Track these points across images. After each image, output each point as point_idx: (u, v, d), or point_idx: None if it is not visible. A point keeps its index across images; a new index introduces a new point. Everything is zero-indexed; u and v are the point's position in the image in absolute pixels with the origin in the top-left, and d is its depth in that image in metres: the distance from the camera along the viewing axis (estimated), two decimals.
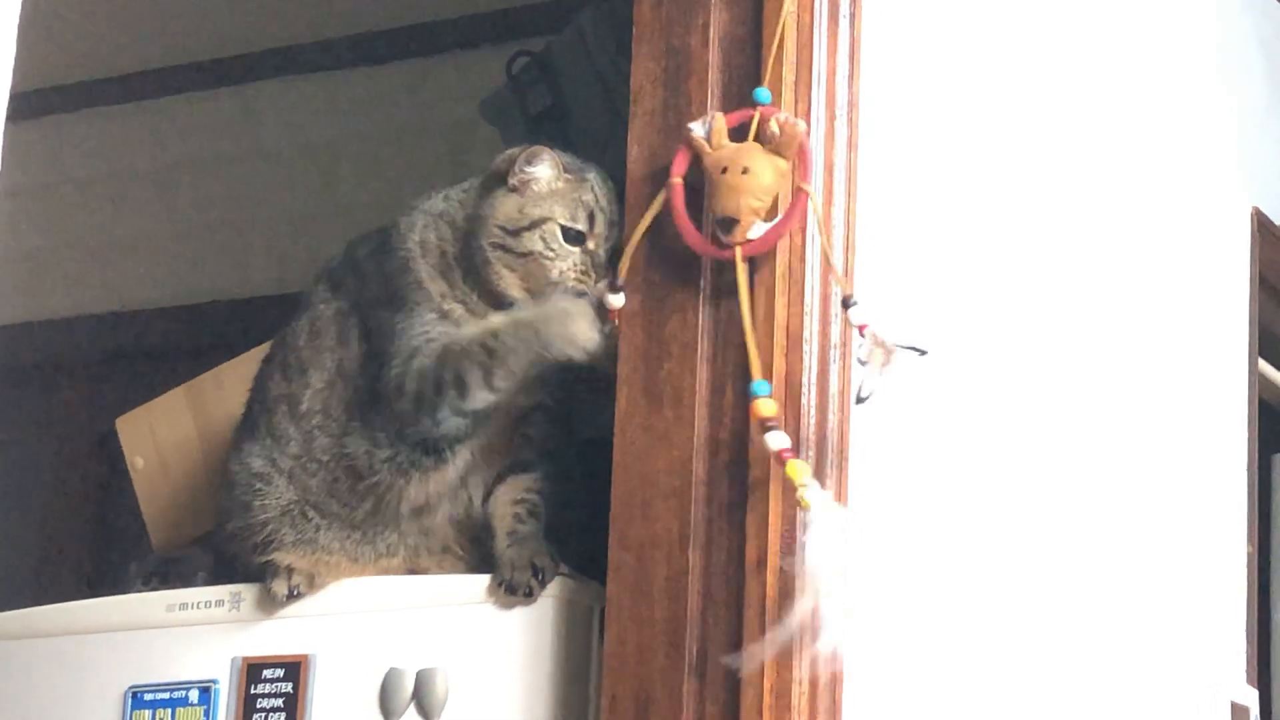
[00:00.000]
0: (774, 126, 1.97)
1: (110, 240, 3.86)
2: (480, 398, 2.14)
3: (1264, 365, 3.03)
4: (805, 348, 1.97)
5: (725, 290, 1.99)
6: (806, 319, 1.97)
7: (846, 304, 1.95)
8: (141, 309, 3.80)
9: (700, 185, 2.00)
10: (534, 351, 2.10)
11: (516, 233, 2.16)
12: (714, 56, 2.04)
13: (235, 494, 2.32)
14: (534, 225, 2.16)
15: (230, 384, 2.69)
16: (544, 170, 2.18)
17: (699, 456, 1.98)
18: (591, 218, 2.16)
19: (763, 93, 1.99)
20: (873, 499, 2.03)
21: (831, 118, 2.02)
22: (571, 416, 2.28)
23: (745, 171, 1.95)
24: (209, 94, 3.81)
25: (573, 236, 2.16)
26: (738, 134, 1.99)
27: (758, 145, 1.97)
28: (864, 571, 1.99)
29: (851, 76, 2.04)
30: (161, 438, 2.76)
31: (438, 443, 2.19)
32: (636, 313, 2.03)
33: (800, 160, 1.97)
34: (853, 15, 2.04)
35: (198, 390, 2.75)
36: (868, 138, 2.05)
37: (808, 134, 1.97)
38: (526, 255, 2.16)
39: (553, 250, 2.15)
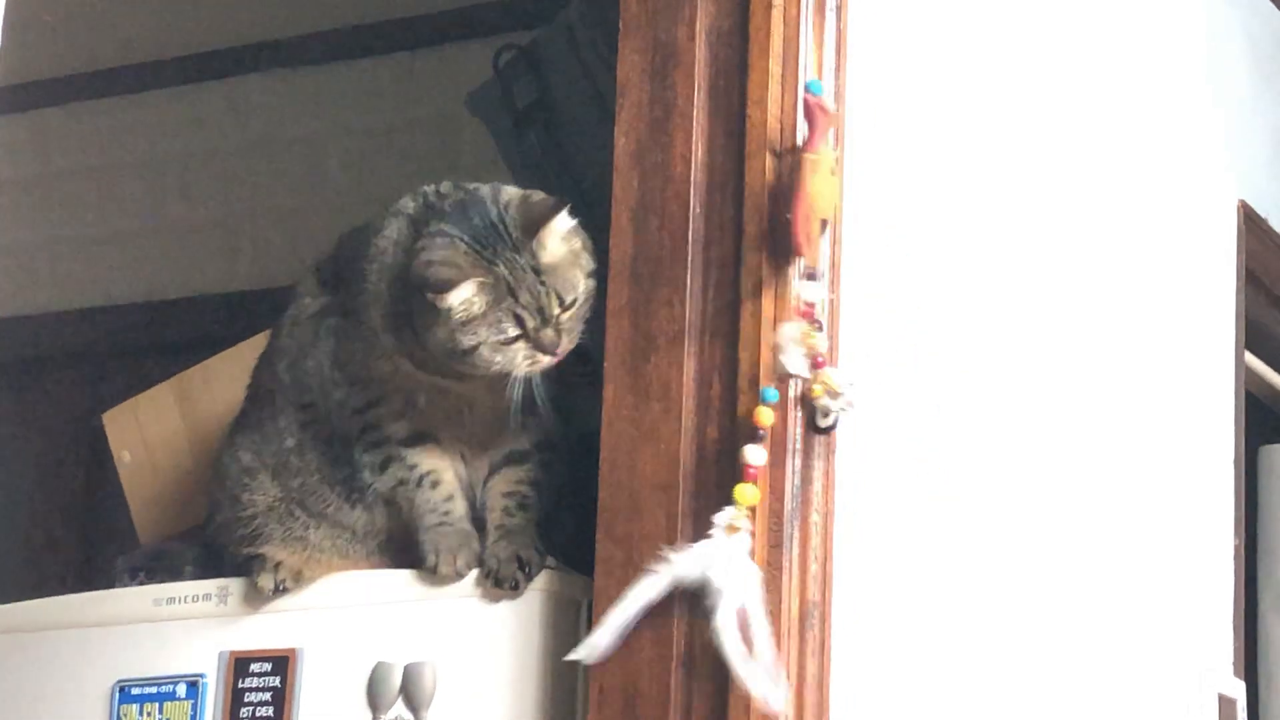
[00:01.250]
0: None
1: (97, 235, 3.86)
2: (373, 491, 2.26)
3: (1251, 358, 3.04)
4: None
5: (712, 283, 1.99)
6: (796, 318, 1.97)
7: (807, 274, 1.95)
8: (129, 303, 3.79)
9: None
10: (413, 528, 2.21)
11: (458, 355, 2.13)
12: (700, 49, 2.04)
13: (226, 486, 2.33)
14: (469, 352, 2.12)
15: (217, 379, 2.69)
16: (457, 297, 2.11)
17: (686, 450, 1.98)
18: (518, 319, 2.11)
19: (816, 84, 1.99)
20: (860, 489, 2.03)
21: None
22: (569, 409, 2.28)
23: (832, 172, 1.95)
24: (196, 88, 3.81)
25: (509, 340, 2.12)
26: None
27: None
28: (852, 562, 1.99)
29: (837, 70, 2.04)
30: (148, 432, 2.75)
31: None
32: (624, 306, 2.03)
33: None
34: (839, 8, 2.05)
35: (185, 385, 2.75)
36: (853, 131, 2.05)
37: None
38: (476, 367, 2.14)
39: (497, 361, 2.12)
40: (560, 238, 2.14)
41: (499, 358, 2.12)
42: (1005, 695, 2.28)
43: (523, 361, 2.13)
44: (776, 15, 2.01)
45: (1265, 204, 3.05)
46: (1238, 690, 2.80)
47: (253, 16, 3.75)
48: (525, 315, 2.11)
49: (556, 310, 2.12)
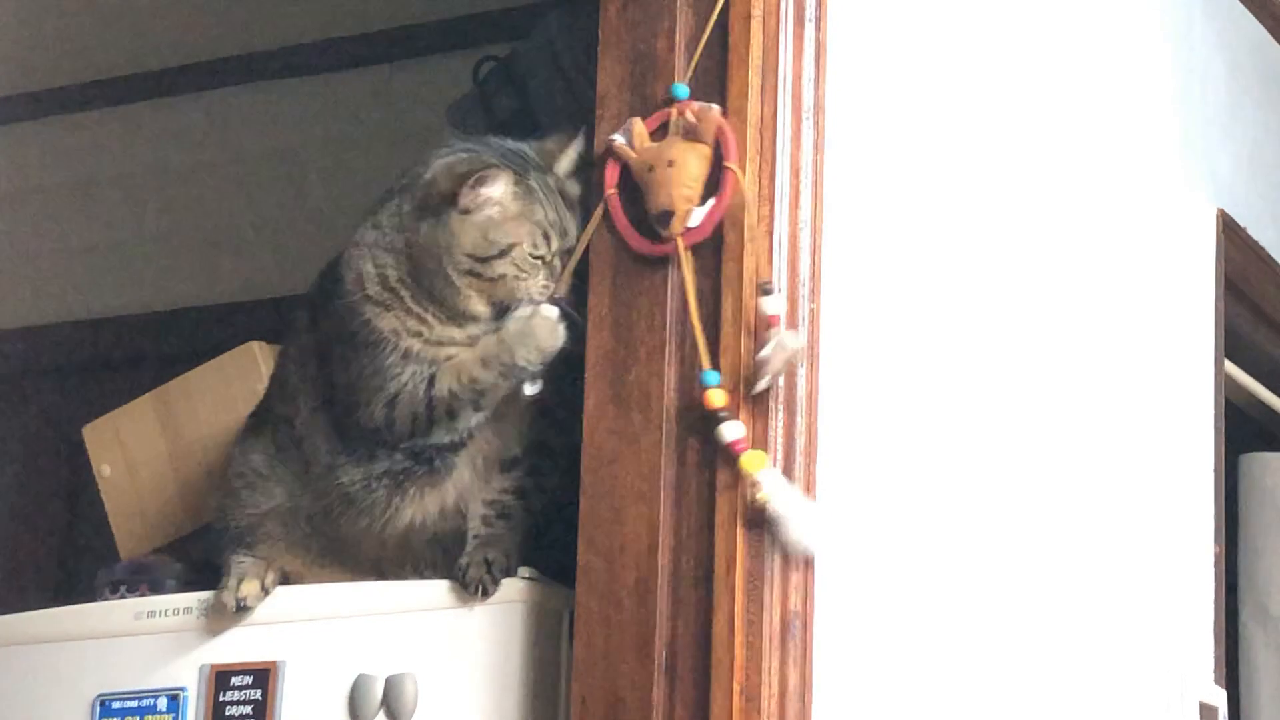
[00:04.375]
0: (689, 116, 2.00)
1: (78, 248, 3.85)
2: (473, 421, 2.18)
3: (1230, 366, 3.04)
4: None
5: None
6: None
7: (762, 290, 1.96)
8: (109, 316, 3.79)
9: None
10: (508, 372, 2.14)
11: (486, 260, 2.16)
12: (679, 60, 2.05)
13: (235, 487, 2.33)
14: (504, 253, 2.16)
15: (198, 392, 2.68)
16: (499, 190, 2.16)
17: (667, 460, 1.98)
18: (547, 237, 2.17)
19: (680, 89, 2.03)
20: (841, 492, 2.03)
21: (798, 121, 2.02)
22: (567, 416, 2.26)
23: (671, 164, 1.99)
24: (176, 100, 3.81)
25: (536, 256, 2.17)
26: (661, 134, 2.02)
27: (678, 139, 2.01)
28: (831, 566, 1.99)
29: (817, 80, 2.04)
30: (129, 445, 2.75)
31: (429, 451, 2.19)
32: (604, 317, 2.03)
33: (723, 141, 1.99)
34: (818, 19, 2.05)
35: (165, 398, 2.74)
36: (834, 141, 2.06)
37: (724, 115, 1.99)
38: (497, 279, 2.16)
39: (524, 272, 2.16)
40: (573, 176, 2.21)
41: (525, 269, 2.15)
42: (988, 704, 2.28)
43: (538, 285, 2.16)
44: (756, 26, 2.02)
45: (1244, 213, 3.05)
46: (1219, 698, 2.80)
47: (231, 29, 3.74)
48: (552, 234, 2.17)
49: (573, 240, 2.16)
